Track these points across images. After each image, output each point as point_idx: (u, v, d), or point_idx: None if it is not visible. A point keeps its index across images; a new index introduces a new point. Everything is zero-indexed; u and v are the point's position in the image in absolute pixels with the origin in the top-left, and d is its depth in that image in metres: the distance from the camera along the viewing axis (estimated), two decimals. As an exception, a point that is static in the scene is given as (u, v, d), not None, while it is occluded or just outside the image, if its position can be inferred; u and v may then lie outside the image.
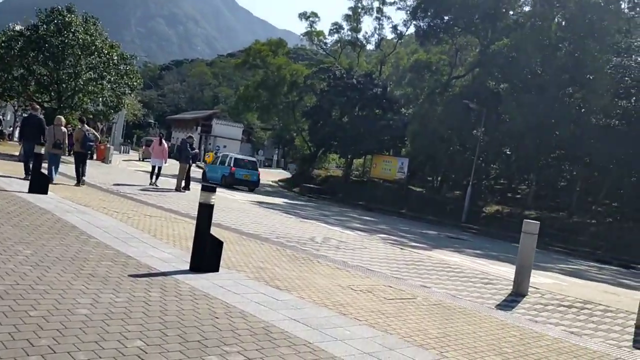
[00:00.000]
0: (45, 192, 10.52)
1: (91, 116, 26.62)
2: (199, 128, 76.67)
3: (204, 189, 6.23)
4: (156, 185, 17.21)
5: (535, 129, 22.64)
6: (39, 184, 10.62)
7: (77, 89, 23.75)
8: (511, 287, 7.62)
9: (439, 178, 32.46)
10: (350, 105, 33.31)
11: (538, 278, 8.77)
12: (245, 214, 13.65)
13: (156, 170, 17.47)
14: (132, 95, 26.43)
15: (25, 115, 21.65)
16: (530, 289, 7.54)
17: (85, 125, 14.09)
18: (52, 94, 25.18)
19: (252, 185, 25.21)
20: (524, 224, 7.60)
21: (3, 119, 39.94)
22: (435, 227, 20.73)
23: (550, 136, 23.57)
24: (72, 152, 15.32)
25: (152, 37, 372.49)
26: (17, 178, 12.82)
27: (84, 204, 10.14)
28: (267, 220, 13.23)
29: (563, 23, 25.89)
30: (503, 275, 8.90)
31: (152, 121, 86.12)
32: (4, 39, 24.30)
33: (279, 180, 39.31)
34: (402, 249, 11.29)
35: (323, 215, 18.38)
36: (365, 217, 20.33)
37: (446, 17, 29.57)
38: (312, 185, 33.09)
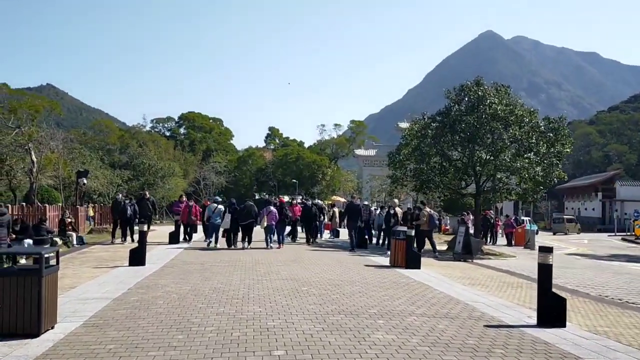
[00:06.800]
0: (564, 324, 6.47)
1: (515, 197, 22.74)
2: (599, 194, 66.48)
3: None
4: None
5: None
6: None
7: (501, 167, 20.24)
8: None
9: None
10: None
11: None
12: None
13: None
14: (560, 165, 21.48)
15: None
16: None
17: (427, 208, 18.12)
18: (470, 178, 22.45)
19: None
20: None
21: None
22: None
23: None
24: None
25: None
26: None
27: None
28: None
29: None
30: None
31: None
32: (416, 127, 23.12)
33: None
34: None
35: None
36: None
37: None
38: None
